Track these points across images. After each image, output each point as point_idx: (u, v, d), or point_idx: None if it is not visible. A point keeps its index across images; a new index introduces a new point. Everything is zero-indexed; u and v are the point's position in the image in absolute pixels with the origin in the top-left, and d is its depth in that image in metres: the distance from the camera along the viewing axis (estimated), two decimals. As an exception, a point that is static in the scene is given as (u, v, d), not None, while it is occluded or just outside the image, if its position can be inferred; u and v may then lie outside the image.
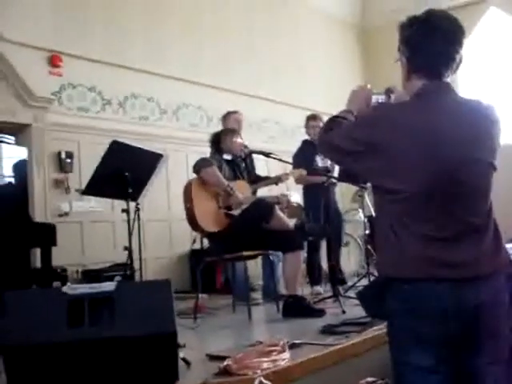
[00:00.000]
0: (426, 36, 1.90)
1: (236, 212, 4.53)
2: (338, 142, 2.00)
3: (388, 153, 1.83)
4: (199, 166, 4.53)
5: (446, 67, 1.92)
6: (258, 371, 2.46)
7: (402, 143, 1.81)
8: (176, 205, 6.85)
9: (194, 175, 4.60)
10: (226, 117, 5.87)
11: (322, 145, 2.16)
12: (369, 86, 2.25)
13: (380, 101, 2.18)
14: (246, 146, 5.24)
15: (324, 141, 2.12)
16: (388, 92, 2.20)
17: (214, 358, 2.79)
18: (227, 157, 4.80)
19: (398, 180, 1.83)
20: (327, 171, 5.55)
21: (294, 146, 6.28)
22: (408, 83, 2.00)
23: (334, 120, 2.13)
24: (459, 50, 1.92)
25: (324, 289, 5.86)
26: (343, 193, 7.77)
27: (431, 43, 1.89)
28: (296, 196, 6.08)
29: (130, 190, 3.90)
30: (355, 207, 7.77)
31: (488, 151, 1.89)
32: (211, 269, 6.58)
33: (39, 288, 4.17)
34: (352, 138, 1.94)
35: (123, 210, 3.94)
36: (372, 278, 5.34)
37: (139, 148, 4.07)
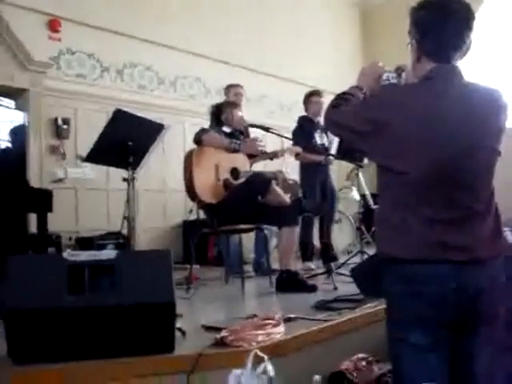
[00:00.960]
0: (437, 19, 1.90)
1: (235, 182, 4.54)
2: (346, 120, 2.01)
3: (395, 134, 1.84)
4: (199, 135, 4.53)
5: (455, 51, 1.92)
6: (254, 343, 2.48)
7: (409, 125, 1.83)
8: (171, 175, 6.89)
9: (193, 145, 4.60)
10: (227, 89, 5.87)
11: (329, 121, 2.15)
12: (380, 63, 2.25)
13: (391, 78, 2.18)
14: (244, 120, 5.23)
15: (331, 117, 2.12)
16: (398, 70, 2.20)
17: (209, 328, 2.82)
18: (226, 129, 4.79)
19: (403, 161, 1.85)
20: (325, 149, 5.57)
21: (292, 121, 6.27)
22: (417, 66, 2.00)
23: (343, 96, 2.13)
24: (469, 35, 1.93)
25: (315, 265, 5.91)
26: (336, 170, 7.79)
27: (442, 27, 1.90)
28: (293, 173, 6.08)
29: (131, 160, 3.90)
30: (348, 185, 7.80)
31: (494, 136, 1.90)
32: (203, 240, 6.61)
33: (36, 253, 4.18)
34: (360, 117, 1.95)
35: (124, 179, 3.93)
36: (364, 256, 5.39)
37: (142, 117, 4.04)
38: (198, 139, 4.53)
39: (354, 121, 1.97)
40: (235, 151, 4.56)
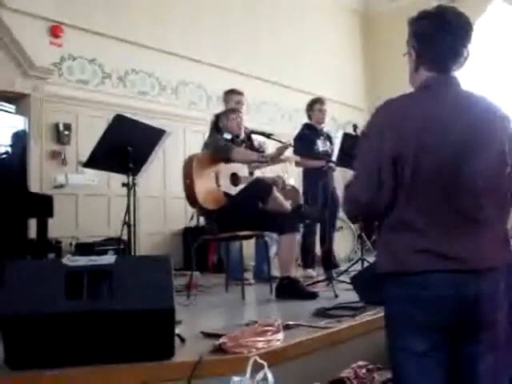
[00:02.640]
0: (436, 30, 1.92)
1: (235, 191, 4.53)
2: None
3: (394, 142, 1.83)
4: (227, 153, 4.54)
5: (453, 61, 1.94)
6: (253, 350, 2.47)
7: (407, 134, 1.82)
8: (171, 182, 6.89)
9: (192, 152, 4.59)
10: (227, 96, 5.78)
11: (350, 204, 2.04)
12: None
13: None
14: (246, 128, 5.22)
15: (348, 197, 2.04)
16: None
17: (208, 335, 2.80)
18: (227, 136, 4.77)
19: (402, 171, 1.84)
20: (328, 155, 5.56)
21: (293, 128, 6.27)
22: (415, 76, 2.02)
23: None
24: (467, 45, 1.94)
25: (316, 272, 5.89)
26: (337, 178, 7.77)
27: (440, 37, 1.91)
28: (292, 179, 6.07)
29: (132, 165, 3.89)
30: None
31: (495, 146, 1.87)
32: (204, 247, 6.61)
33: (34, 259, 4.16)
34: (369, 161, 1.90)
35: (123, 185, 3.92)
36: (365, 264, 5.37)
37: (142, 123, 4.04)
38: (226, 157, 4.54)
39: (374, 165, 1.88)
40: (265, 163, 4.58)
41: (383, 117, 1.92)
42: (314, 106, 6.12)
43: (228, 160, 4.56)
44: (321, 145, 5.93)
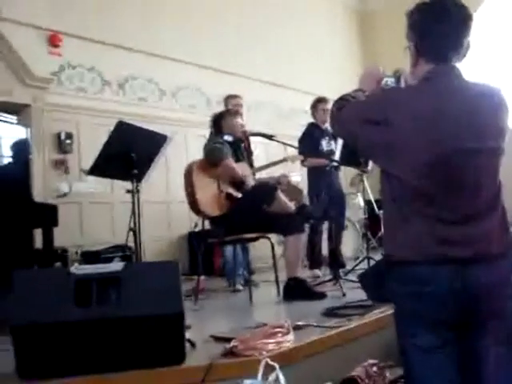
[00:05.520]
0: (434, 20, 1.91)
1: (238, 194, 4.53)
2: (349, 121, 2.02)
3: (396, 134, 1.84)
4: (218, 159, 4.55)
5: (453, 51, 1.92)
6: (264, 352, 2.47)
7: (410, 125, 1.82)
8: (174, 187, 6.88)
9: (196, 156, 4.59)
10: (226, 101, 5.84)
11: (334, 123, 2.17)
12: (380, 68, 2.25)
13: (390, 83, 2.18)
14: (247, 130, 5.23)
15: (336, 119, 2.13)
16: (396, 73, 2.21)
17: (218, 339, 2.80)
18: (228, 138, 4.77)
19: (404, 161, 1.85)
20: (333, 155, 5.56)
21: (292, 128, 6.27)
22: (416, 68, 2.00)
23: (346, 98, 2.13)
24: (467, 35, 1.92)
25: (322, 272, 5.89)
26: (341, 177, 7.79)
27: (438, 27, 1.90)
28: (297, 178, 6.07)
29: (135, 171, 3.89)
30: (353, 191, 7.79)
31: (496, 134, 1.89)
32: (209, 251, 6.60)
33: (43, 268, 4.16)
34: (362, 117, 1.95)
35: (128, 191, 3.92)
36: (371, 262, 5.37)
37: (145, 129, 4.05)
38: (217, 161, 4.55)
39: (357, 121, 1.97)
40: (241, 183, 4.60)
41: (389, 100, 1.93)
42: (318, 105, 6.11)
43: (214, 165, 4.55)
44: (325, 144, 5.94)
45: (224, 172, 4.55)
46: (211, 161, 4.56)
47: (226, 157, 4.58)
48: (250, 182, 4.60)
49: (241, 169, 4.69)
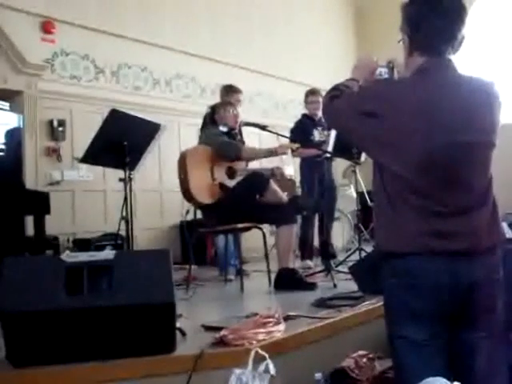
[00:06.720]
0: (427, 13, 1.91)
1: (231, 184, 4.53)
2: (342, 112, 2.01)
3: (389, 126, 1.85)
4: (236, 152, 4.59)
5: (446, 44, 1.92)
6: (254, 342, 2.47)
7: (403, 118, 1.83)
8: (167, 176, 6.88)
9: (189, 145, 4.58)
10: (226, 91, 5.69)
11: (327, 114, 2.17)
12: (374, 57, 2.25)
13: (383, 74, 2.19)
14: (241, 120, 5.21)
15: (328, 110, 2.13)
16: (390, 64, 2.21)
17: (209, 328, 2.80)
18: (223, 129, 4.75)
19: (397, 153, 1.85)
20: (322, 145, 5.57)
21: (286, 119, 6.28)
22: (409, 60, 2.01)
23: (339, 88, 2.13)
24: (461, 28, 1.92)
25: (314, 263, 5.90)
26: (334, 168, 7.78)
27: (432, 20, 1.90)
28: (290, 169, 6.07)
29: (128, 160, 3.88)
30: (346, 183, 7.79)
31: (487, 128, 1.90)
32: (201, 241, 6.60)
33: (34, 256, 4.15)
34: (355, 108, 1.95)
35: (120, 180, 3.91)
36: (362, 254, 5.38)
37: (138, 117, 4.04)
38: (239, 155, 4.58)
39: (349, 113, 1.97)
40: (274, 155, 4.67)
41: (382, 92, 1.94)
42: (308, 97, 6.20)
43: (238, 159, 4.58)
44: (317, 135, 5.95)
45: (250, 158, 4.79)
46: (225, 156, 4.59)
47: (240, 147, 4.69)
48: (280, 148, 4.67)
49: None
